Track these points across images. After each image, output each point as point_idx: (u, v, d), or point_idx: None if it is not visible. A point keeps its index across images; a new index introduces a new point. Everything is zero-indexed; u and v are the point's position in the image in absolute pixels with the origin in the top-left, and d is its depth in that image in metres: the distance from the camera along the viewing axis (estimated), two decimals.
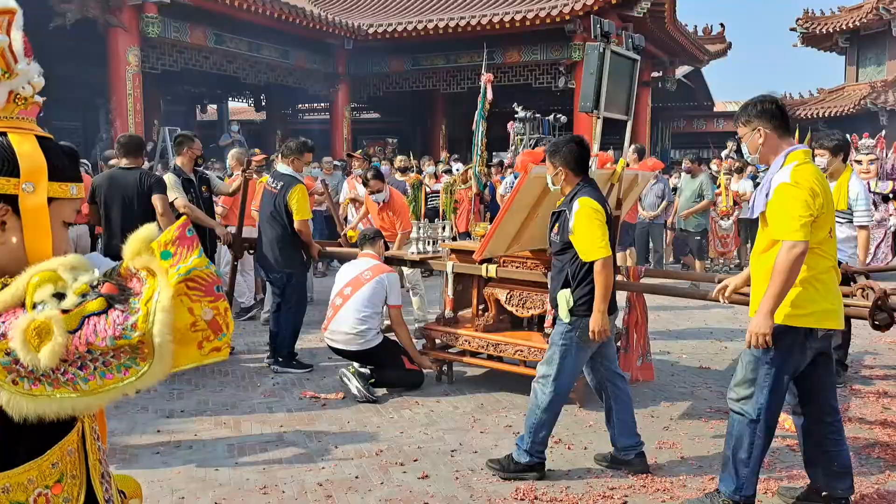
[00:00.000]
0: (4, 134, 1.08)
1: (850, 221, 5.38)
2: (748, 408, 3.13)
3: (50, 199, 1.10)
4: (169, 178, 5.73)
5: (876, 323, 3.38)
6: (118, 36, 12.29)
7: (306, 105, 25.70)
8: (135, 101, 12.63)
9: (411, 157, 10.78)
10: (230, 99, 22.93)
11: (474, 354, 5.19)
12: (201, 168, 6.18)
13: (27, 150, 1.08)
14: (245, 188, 6.05)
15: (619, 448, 3.84)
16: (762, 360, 3.07)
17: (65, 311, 0.95)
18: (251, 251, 6.18)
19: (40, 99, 1.14)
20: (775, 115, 3.09)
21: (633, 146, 9.51)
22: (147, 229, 1.04)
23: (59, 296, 0.96)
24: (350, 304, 5.02)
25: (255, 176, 6.59)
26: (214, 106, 23.63)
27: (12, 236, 1.07)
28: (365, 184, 7.40)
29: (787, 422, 4.44)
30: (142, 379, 0.98)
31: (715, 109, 24.90)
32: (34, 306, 0.95)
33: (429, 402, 4.89)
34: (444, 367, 5.32)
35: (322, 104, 22.99)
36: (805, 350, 3.07)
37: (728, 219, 10.92)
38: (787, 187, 2.92)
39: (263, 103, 21.91)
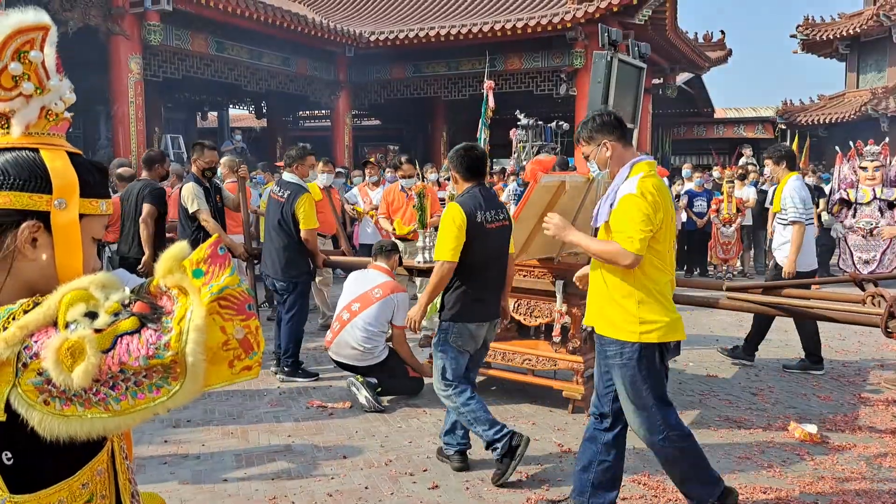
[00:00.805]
0: (36, 150, 1.07)
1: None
2: (652, 435, 3.13)
3: (80, 216, 1.09)
4: (190, 188, 5.76)
5: (889, 330, 3.37)
6: (120, 44, 12.31)
7: (307, 112, 25.72)
8: (137, 108, 12.63)
9: (416, 165, 10.73)
10: (231, 106, 22.94)
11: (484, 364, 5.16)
12: (214, 178, 6.16)
13: (59, 166, 1.07)
14: (242, 189, 6.08)
15: (443, 441, 4.00)
16: (637, 384, 3.08)
17: (98, 331, 0.93)
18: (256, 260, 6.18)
19: (69, 115, 1.13)
20: (615, 126, 3.13)
21: None
22: (178, 247, 1.02)
23: (92, 315, 0.95)
24: (358, 320, 4.98)
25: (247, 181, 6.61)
26: (215, 113, 23.65)
27: (42, 253, 1.06)
28: (396, 168, 7.44)
29: (797, 430, 4.43)
30: (173, 398, 0.97)
31: (715, 116, 24.92)
32: (67, 325, 0.93)
33: (437, 412, 4.86)
34: None
35: (323, 111, 23.01)
36: (664, 362, 3.12)
37: (730, 226, 10.92)
38: (633, 198, 2.93)
39: (264, 110, 21.92)
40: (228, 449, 4.21)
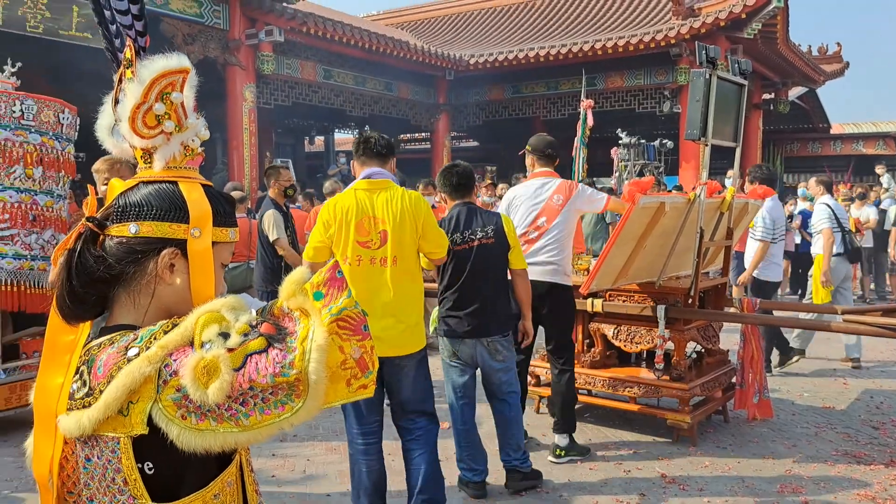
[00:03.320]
0: (175, 183, 1.18)
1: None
2: None
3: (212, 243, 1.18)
4: (271, 216, 5.60)
5: None
6: (236, 74, 13.03)
7: (408, 135, 26.29)
8: (250, 135, 13.30)
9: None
10: (336, 130, 23.76)
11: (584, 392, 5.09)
12: (292, 198, 6.04)
13: (195, 197, 1.17)
14: None
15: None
16: None
17: (230, 350, 1.01)
18: None
19: (202, 149, 1.23)
20: (358, 146, 3.52)
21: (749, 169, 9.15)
22: (300, 272, 1.09)
23: (224, 335, 1.03)
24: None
25: None
26: (322, 137, 24.57)
27: (178, 278, 1.16)
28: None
29: None
30: (296, 415, 1.03)
31: (831, 132, 23.61)
32: (202, 345, 1.01)
33: (534, 436, 4.83)
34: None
35: (423, 133, 23.45)
36: None
37: None
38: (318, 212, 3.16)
39: None
40: (332, 464, 4.34)
